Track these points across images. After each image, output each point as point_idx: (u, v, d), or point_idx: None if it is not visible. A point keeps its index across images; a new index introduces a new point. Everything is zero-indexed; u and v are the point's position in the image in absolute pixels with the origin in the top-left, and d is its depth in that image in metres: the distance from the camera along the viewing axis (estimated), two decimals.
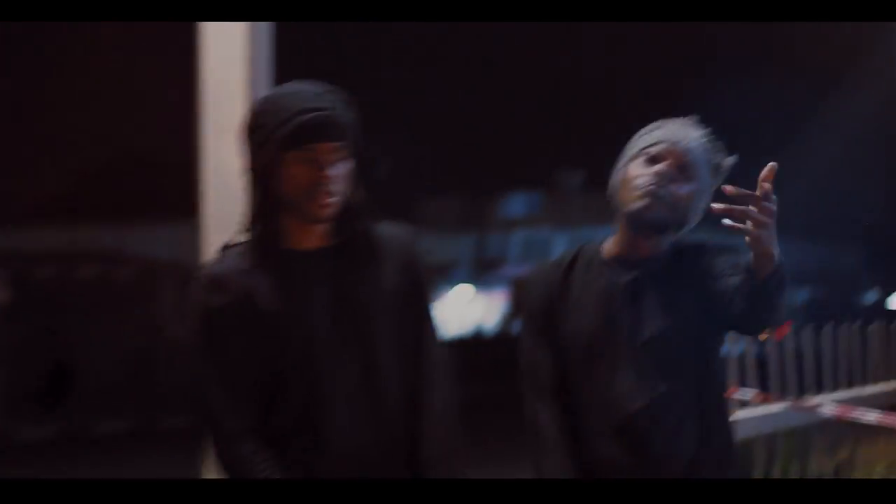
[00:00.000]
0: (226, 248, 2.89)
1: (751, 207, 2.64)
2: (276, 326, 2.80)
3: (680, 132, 3.07)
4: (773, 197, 2.64)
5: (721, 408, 3.03)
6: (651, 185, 3.00)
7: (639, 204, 3.01)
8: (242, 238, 2.88)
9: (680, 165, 3.03)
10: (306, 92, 2.80)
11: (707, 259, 3.00)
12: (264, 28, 4.20)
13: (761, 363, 4.43)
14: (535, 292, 3.16)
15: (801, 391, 4.51)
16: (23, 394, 18.42)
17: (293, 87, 2.83)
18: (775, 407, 4.05)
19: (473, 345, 28.37)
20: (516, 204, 44.78)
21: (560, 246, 40.46)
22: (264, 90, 3.90)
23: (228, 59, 4.08)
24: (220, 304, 2.80)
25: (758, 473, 4.06)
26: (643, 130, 3.12)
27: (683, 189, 3.02)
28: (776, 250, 2.70)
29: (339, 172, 2.78)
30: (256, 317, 2.80)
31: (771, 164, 2.66)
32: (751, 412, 4.00)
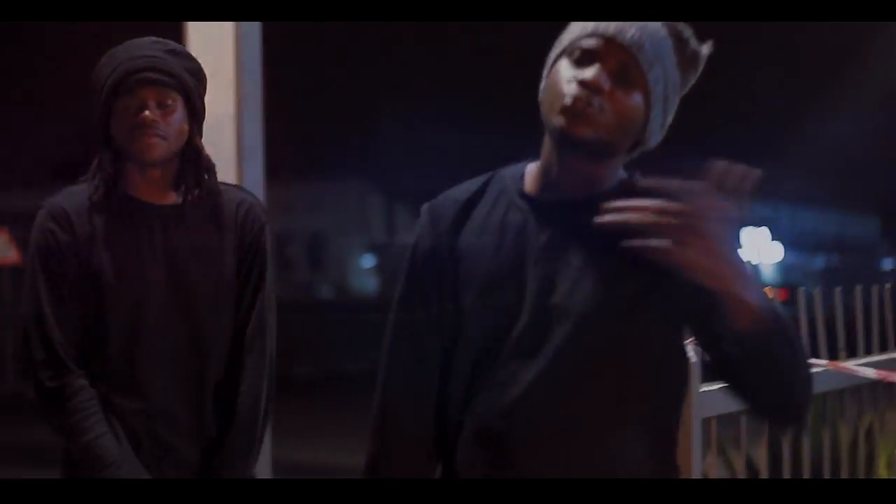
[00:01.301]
0: (71, 187, 2.94)
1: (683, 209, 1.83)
2: (105, 271, 2.86)
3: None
4: (741, 200, 1.83)
5: (661, 431, 2.22)
6: (576, 95, 2.18)
7: (560, 121, 2.18)
8: (87, 182, 2.93)
9: (619, 67, 2.20)
10: (139, 44, 2.88)
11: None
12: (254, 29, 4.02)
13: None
14: (420, 231, 2.35)
15: (833, 354, 4.37)
16: None
17: (132, 41, 2.91)
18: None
19: None
20: None
21: None
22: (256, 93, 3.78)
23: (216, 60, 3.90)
24: (57, 239, 2.87)
25: (787, 439, 3.92)
26: None
27: (625, 101, 2.19)
28: (756, 295, 1.92)
29: (167, 118, 2.84)
30: (88, 257, 2.87)
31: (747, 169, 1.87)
32: None
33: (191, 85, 2.88)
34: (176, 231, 2.91)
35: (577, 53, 2.21)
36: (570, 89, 2.18)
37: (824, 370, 3.84)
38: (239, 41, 3.87)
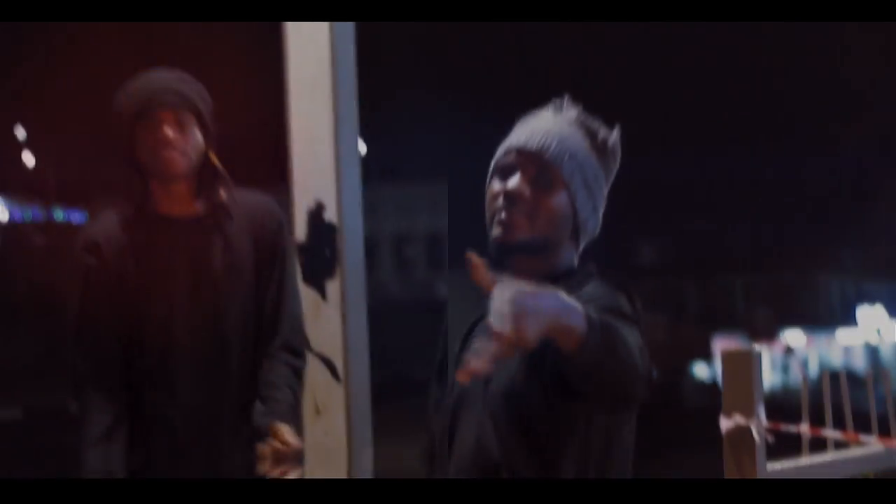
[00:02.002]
0: (101, 213, 3.32)
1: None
2: (137, 287, 3.24)
3: (528, 129, 2.54)
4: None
5: None
6: (503, 207, 2.48)
7: (496, 232, 2.49)
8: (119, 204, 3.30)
9: (535, 174, 2.49)
10: (152, 75, 3.27)
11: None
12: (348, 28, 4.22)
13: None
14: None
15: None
16: None
17: (145, 74, 3.29)
18: (871, 448, 3.75)
19: None
20: None
21: None
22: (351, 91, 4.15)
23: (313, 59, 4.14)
24: (91, 264, 3.26)
25: None
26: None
27: (549, 199, 2.48)
28: (573, 317, 2.05)
29: (184, 135, 3.21)
30: (119, 277, 3.24)
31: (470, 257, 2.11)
32: (845, 454, 3.49)
33: (200, 105, 3.26)
34: (199, 240, 3.26)
35: (501, 171, 2.51)
36: (498, 203, 2.49)
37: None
38: (335, 53, 4.11)
